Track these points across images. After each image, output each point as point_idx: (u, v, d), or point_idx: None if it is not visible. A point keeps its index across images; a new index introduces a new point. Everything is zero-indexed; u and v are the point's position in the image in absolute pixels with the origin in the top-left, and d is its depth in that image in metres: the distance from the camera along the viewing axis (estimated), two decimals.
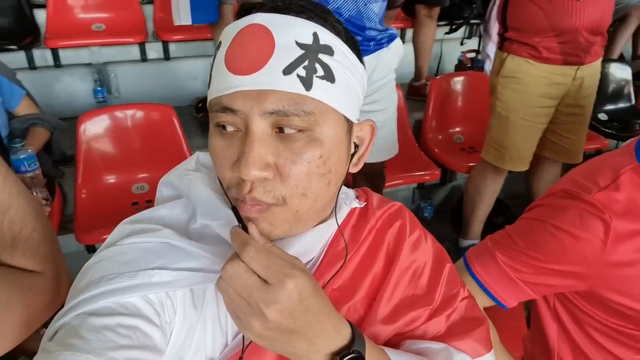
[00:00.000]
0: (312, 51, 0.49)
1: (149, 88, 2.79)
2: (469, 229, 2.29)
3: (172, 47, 2.76)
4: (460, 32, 3.29)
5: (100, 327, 0.45)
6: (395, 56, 1.74)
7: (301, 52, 0.48)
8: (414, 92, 2.97)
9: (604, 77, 2.74)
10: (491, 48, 3.14)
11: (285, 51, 0.48)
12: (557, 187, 0.90)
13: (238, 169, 0.48)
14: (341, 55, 0.51)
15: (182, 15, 2.28)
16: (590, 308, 0.91)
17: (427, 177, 2.34)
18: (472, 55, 3.24)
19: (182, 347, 0.54)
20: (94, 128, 2.06)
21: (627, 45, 3.58)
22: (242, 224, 0.50)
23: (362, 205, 0.64)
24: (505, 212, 2.47)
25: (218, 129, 0.51)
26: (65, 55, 2.59)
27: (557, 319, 0.99)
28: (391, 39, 1.69)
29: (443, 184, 2.73)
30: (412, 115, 2.69)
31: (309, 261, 0.59)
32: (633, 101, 3.10)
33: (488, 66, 3.15)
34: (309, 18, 0.50)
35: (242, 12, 0.52)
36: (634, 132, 2.88)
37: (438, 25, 2.94)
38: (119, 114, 2.10)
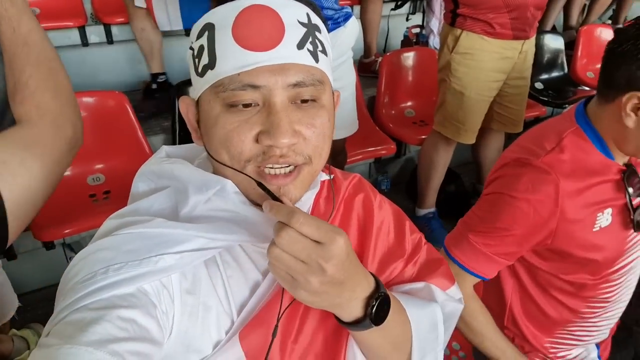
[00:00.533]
0: (310, 29, 0.54)
1: (92, 74, 2.67)
2: (424, 198, 2.39)
3: (115, 30, 2.64)
4: (405, 8, 3.35)
5: (100, 320, 0.46)
6: (352, 34, 1.77)
7: (304, 29, 0.54)
8: (364, 68, 3.03)
9: (539, 48, 2.91)
10: (434, 23, 3.24)
11: (293, 28, 0.53)
12: (509, 156, 0.98)
13: (271, 138, 0.51)
14: (325, 33, 0.57)
15: (172, 18, 2.19)
16: (549, 266, 1.01)
17: (384, 152, 2.42)
18: (417, 30, 3.33)
19: (186, 334, 0.55)
20: None
21: (559, 17, 3.80)
22: (270, 194, 0.53)
23: (331, 178, 0.68)
24: (456, 180, 2.60)
25: (229, 108, 0.53)
26: None
27: (515, 276, 1.09)
28: (347, 17, 1.72)
29: (398, 157, 2.83)
30: (365, 92, 2.74)
31: None
32: (566, 70, 3.32)
33: (432, 41, 3.26)
34: (299, 0, 0.55)
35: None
36: (568, 98, 3.09)
37: (384, 2, 2.99)
38: None
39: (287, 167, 0.55)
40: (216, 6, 0.55)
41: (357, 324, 0.54)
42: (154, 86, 2.48)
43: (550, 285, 1.04)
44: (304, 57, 0.53)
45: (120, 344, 0.45)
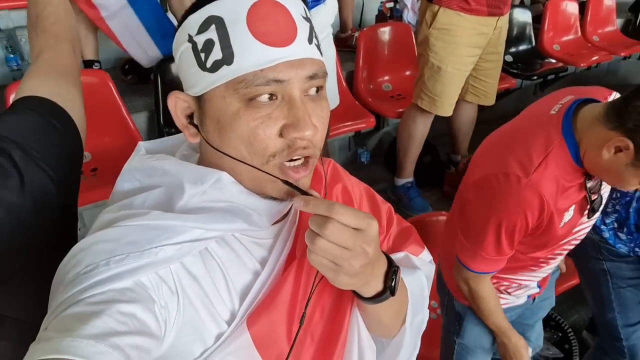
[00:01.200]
0: (309, 23, 0.57)
1: None
2: (402, 169, 2.49)
3: None
4: None
5: (100, 314, 0.46)
6: (331, 11, 1.82)
7: (307, 24, 0.56)
8: (341, 43, 3.06)
9: (508, 23, 3.01)
10: None
11: (301, 24, 0.55)
12: (495, 166, 1.03)
13: (297, 131, 0.53)
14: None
15: (148, 49, 2.14)
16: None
17: (364, 125, 2.49)
18: (391, 5, 3.37)
19: (188, 326, 0.56)
20: None
21: None
22: (299, 190, 0.55)
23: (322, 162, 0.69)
24: (432, 152, 2.72)
25: (250, 103, 0.53)
26: None
27: None
28: None
29: (377, 130, 2.91)
30: (343, 67, 2.80)
31: (285, 217, 0.65)
32: (534, 43, 3.45)
33: (406, 15, 3.32)
34: None
35: None
36: (536, 70, 3.23)
37: None
38: None
39: (300, 159, 0.56)
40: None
41: (376, 297, 0.58)
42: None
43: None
44: (314, 51, 0.55)
45: (120, 337, 0.45)
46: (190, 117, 0.59)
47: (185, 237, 0.53)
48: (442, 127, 2.62)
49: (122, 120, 2.09)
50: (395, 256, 0.73)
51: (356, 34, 2.95)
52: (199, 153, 0.64)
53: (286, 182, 0.55)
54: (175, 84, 2.29)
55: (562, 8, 3.56)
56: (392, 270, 0.59)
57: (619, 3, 3.90)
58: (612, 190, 1.25)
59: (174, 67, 2.21)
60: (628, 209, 1.30)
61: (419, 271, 0.72)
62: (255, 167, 0.55)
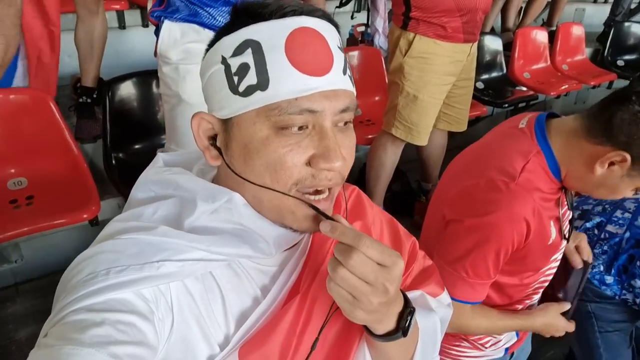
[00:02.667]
0: (343, 53, 0.56)
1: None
2: (372, 197, 2.37)
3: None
4: (350, 5, 3.34)
5: (101, 323, 0.46)
6: None
7: (342, 54, 0.55)
8: None
9: (480, 49, 2.99)
10: (379, 22, 3.24)
11: (337, 54, 0.54)
12: (474, 183, 0.94)
13: (327, 161, 0.53)
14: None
15: None
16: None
17: None
18: (362, 29, 3.32)
19: (181, 344, 0.55)
20: None
21: (497, 19, 3.93)
22: (324, 215, 0.55)
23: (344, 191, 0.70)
24: (401, 178, 2.62)
25: (281, 131, 0.52)
26: None
27: None
28: None
29: None
30: None
31: (294, 246, 0.63)
32: (505, 70, 3.43)
33: (377, 40, 3.26)
34: (330, 22, 0.56)
35: (248, 12, 0.53)
36: (507, 98, 3.20)
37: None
38: None
39: (325, 192, 0.56)
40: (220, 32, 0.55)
41: (388, 336, 0.57)
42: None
43: None
44: (347, 83, 0.55)
45: (119, 346, 0.45)
46: (212, 138, 0.58)
47: (188, 256, 0.53)
48: (412, 153, 2.53)
49: (64, 143, 1.90)
50: (412, 294, 0.71)
51: None
52: (216, 170, 0.64)
53: (313, 207, 0.55)
54: (125, 105, 2.14)
55: (531, 37, 3.58)
56: (407, 311, 0.57)
57: (587, 33, 3.95)
58: (600, 231, 1.16)
59: (124, 87, 2.06)
60: (618, 250, 1.21)
61: (434, 314, 0.70)
62: (281, 192, 0.54)
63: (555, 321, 1.09)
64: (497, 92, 3.22)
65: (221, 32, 0.55)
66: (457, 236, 0.95)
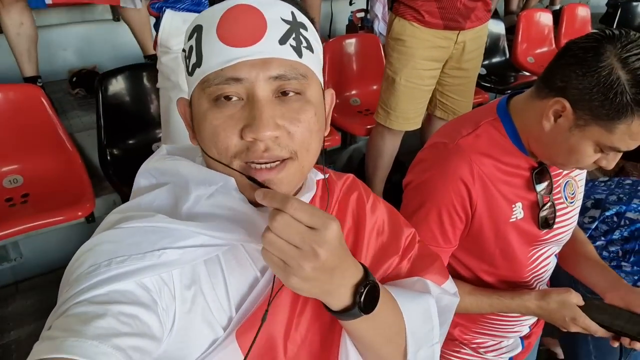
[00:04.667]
0: (294, 26, 0.56)
1: (9, 63, 2.42)
2: (372, 188, 2.34)
3: (36, 13, 2.40)
4: None
5: (103, 315, 0.46)
6: None
7: (287, 26, 0.55)
8: None
9: None
10: (378, 8, 3.17)
11: (276, 25, 0.55)
12: (427, 145, 0.99)
13: (253, 131, 0.52)
14: (312, 31, 0.59)
15: None
16: (471, 262, 1.02)
17: (328, 143, 2.34)
18: (362, 15, 3.25)
19: (186, 330, 0.56)
20: None
21: (501, 2, 3.85)
22: (259, 185, 0.54)
23: (326, 177, 0.68)
24: (402, 170, 2.58)
25: (215, 103, 0.54)
26: None
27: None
28: None
29: (344, 147, 2.76)
30: None
31: None
32: (508, 55, 3.36)
33: (377, 26, 3.20)
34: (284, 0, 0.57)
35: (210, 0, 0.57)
36: (510, 84, 3.13)
37: None
38: None
39: (273, 162, 0.55)
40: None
41: (345, 312, 0.55)
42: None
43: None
44: (285, 52, 0.55)
45: (123, 338, 0.46)
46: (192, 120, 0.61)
47: (190, 242, 0.53)
48: (413, 144, 2.49)
49: (57, 140, 1.89)
50: (406, 280, 0.69)
51: (323, 45, 2.81)
52: None
53: (248, 177, 0.55)
54: (118, 99, 2.12)
55: (535, 19, 3.49)
56: (363, 284, 0.54)
57: (592, 14, 3.86)
58: (620, 218, 1.19)
59: (116, 82, 2.03)
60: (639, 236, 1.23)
61: (426, 296, 0.67)
62: (224, 164, 0.55)
63: (557, 307, 0.96)
64: (499, 77, 3.15)
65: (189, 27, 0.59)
66: (404, 201, 0.99)
